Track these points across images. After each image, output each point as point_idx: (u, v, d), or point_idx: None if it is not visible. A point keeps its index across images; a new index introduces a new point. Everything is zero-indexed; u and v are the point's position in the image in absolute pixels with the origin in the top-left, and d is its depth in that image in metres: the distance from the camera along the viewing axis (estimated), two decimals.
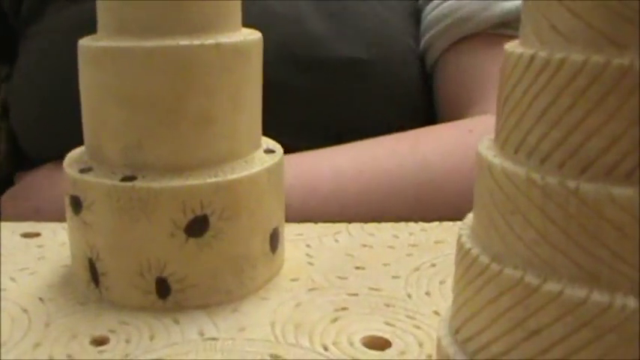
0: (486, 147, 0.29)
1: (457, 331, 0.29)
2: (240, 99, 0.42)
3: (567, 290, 0.25)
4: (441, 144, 0.66)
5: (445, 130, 0.70)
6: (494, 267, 0.27)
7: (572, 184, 0.24)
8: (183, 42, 0.40)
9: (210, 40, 0.40)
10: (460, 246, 0.29)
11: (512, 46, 0.28)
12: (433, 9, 0.81)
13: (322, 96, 0.75)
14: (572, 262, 0.25)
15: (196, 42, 0.40)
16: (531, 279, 0.25)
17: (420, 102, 0.83)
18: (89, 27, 0.44)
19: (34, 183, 0.73)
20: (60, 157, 0.46)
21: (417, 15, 0.85)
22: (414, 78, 0.82)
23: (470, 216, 0.31)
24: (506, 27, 0.77)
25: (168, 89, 0.40)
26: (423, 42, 0.82)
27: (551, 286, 0.25)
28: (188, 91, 0.40)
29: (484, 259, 0.27)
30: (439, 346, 0.30)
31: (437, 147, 0.65)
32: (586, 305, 0.24)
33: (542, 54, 0.25)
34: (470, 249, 0.28)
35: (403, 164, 0.62)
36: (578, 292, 0.24)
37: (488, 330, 0.27)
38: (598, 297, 0.24)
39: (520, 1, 0.71)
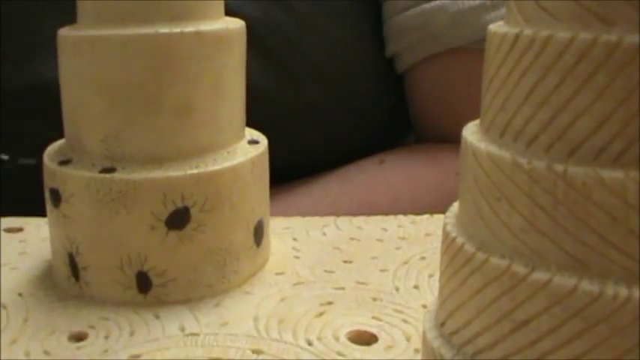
0: (471, 132, 0.28)
1: (443, 324, 0.28)
2: (221, 88, 0.41)
3: (556, 279, 0.24)
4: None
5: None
6: (480, 256, 0.26)
7: (559, 167, 0.23)
8: (163, 30, 0.39)
9: (190, 28, 0.39)
10: (445, 235, 0.28)
11: (495, 26, 0.27)
12: (396, 13, 0.80)
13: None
14: (561, 249, 0.24)
15: (176, 30, 0.39)
16: (518, 268, 0.24)
17: (388, 108, 0.83)
18: None
19: None
20: None
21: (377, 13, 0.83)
22: (378, 85, 0.81)
23: (455, 204, 0.30)
24: (479, 43, 0.76)
25: (147, 78, 0.39)
26: (388, 48, 0.81)
27: (539, 275, 0.24)
28: (168, 79, 0.39)
29: (469, 248, 0.26)
30: (424, 340, 0.29)
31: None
32: (576, 295, 0.23)
33: (528, 32, 0.24)
34: (455, 238, 0.27)
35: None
36: (568, 281, 0.23)
37: (475, 322, 0.26)
38: (588, 286, 0.23)
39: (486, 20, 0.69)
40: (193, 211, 0.40)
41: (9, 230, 0.52)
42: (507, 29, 0.25)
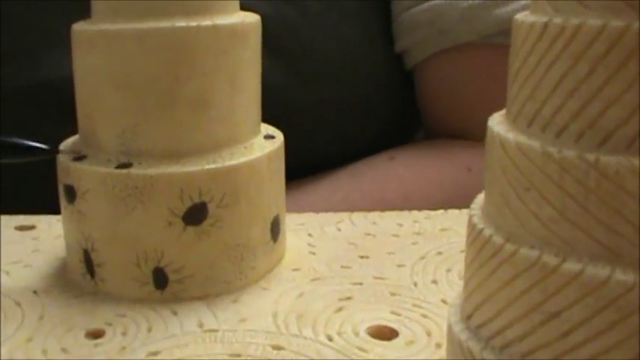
0: (497, 122, 0.27)
1: (469, 317, 0.28)
2: (238, 82, 0.41)
3: (588, 270, 0.23)
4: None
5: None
6: (509, 247, 0.25)
7: (591, 156, 0.23)
8: (180, 23, 0.39)
9: (207, 22, 0.39)
10: (472, 227, 0.28)
11: (522, 16, 0.26)
12: (406, 9, 0.79)
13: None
14: (593, 239, 0.23)
15: (193, 23, 0.39)
16: (549, 259, 0.24)
17: (398, 104, 0.83)
18: None
19: None
20: None
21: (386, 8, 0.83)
22: (388, 83, 0.81)
23: (480, 196, 0.29)
24: (489, 38, 0.76)
25: (164, 72, 0.39)
26: (397, 44, 0.81)
27: (571, 266, 0.24)
28: (184, 73, 0.39)
29: (498, 240, 0.26)
30: (450, 333, 0.29)
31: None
32: (608, 285, 0.23)
33: (557, 20, 0.24)
34: (482, 229, 0.27)
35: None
36: (600, 272, 0.23)
37: (504, 314, 0.26)
38: (621, 276, 0.23)
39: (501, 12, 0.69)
40: (211, 207, 0.40)
41: (21, 228, 0.52)
42: (535, 18, 0.25)
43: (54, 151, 0.42)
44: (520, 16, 0.26)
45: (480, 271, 0.27)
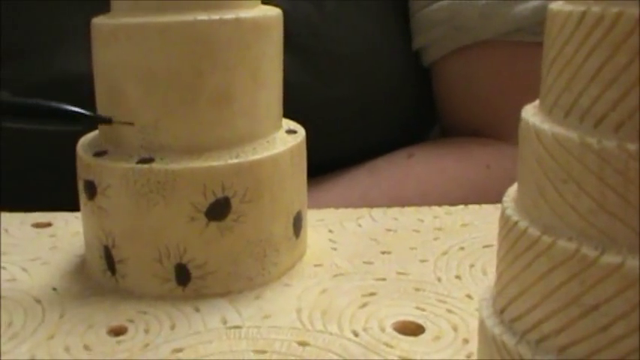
0: (531, 113, 0.27)
1: (503, 311, 0.28)
2: (260, 76, 0.41)
3: (628, 262, 0.23)
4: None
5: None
6: (546, 239, 0.25)
7: (631, 146, 0.23)
8: (202, 17, 0.38)
9: (229, 15, 0.39)
10: (505, 219, 0.27)
11: (558, 5, 0.26)
12: (424, 6, 0.79)
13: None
14: (633, 230, 0.23)
15: (215, 17, 0.38)
16: (588, 251, 0.24)
17: (415, 101, 0.83)
18: None
19: None
20: None
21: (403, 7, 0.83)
22: (405, 80, 0.81)
23: (512, 189, 0.29)
24: (507, 35, 0.76)
25: (186, 66, 0.39)
26: (415, 41, 0.81)
27: (610, 258, 0.23)
28: (207, 67, 0.39)
29: (534, 232, 0.25)
30: (482, 328, 0.29)
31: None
32: None
33: (596, 9, 0.24)
34: (517, 222, 0.26)
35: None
36: None
37: (540, 308, 0.25)
38: None
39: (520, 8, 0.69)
40: (234, 202, 0.39)
41: (37, 225, 0.52)
42: (572, 7, 0.25)
43: (104, 119, 0.41)
44: (555, 6, 0.26)
45: (514, 265, 0.27)
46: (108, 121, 0.40)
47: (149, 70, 0.39)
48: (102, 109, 0.42)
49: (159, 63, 0.39)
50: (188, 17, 0.38)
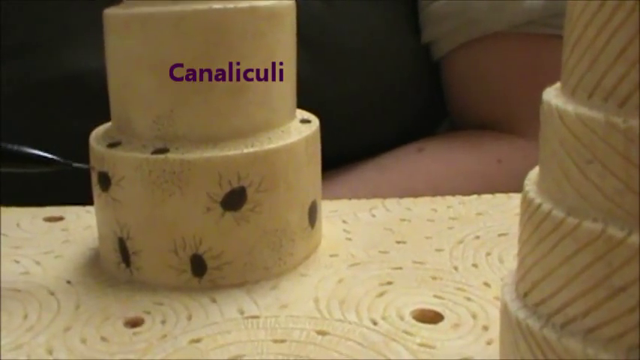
0: (553, 95, 0.27)
1: (526, 295, 0.27)
2: (274, 65, 0.40)
3: None
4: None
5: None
6: (571, 221, 0.25)
7: None
8: (217, 5, 0.38)
9: (244, 3, 0.39)
10: (528, 202, 0.27)
11: None
12: (433, 0, 0.79)
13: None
14: None
15: (230, 5, 0.38)
16: (614, 231, 0.23)
17: (424, 95, 0.82)
18: None
19: None
20: None
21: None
22: (414, 74, 0.80)
23: (533, 172, 0.29)
24: (518, 27, 0.76)
25: (201, 55, 0.38)
26: (424, 35, 0.80)
27: (637, 239, 0.23)
28: (221, 56, 0.39)
29: (558, 214, 0.25)
30: (505, 312, 0.28)
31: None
32: None
33: None
34: (540, 204, 0.26)
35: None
36: None
37: (565, 290, 0.25)
38: None
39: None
40: (250, 192, 0.39)
41: (49, 219, 0.52)
42: None
43: (65, 163, 0.40)
44: None
45: (538, 248, 0.26)
46: (68, 165, 0.40)
47: (163, 60, 0.39)
48: (115, 101, 0.42)
49: (173, 52, 0.38)
50: (203, 6, 0.38)
